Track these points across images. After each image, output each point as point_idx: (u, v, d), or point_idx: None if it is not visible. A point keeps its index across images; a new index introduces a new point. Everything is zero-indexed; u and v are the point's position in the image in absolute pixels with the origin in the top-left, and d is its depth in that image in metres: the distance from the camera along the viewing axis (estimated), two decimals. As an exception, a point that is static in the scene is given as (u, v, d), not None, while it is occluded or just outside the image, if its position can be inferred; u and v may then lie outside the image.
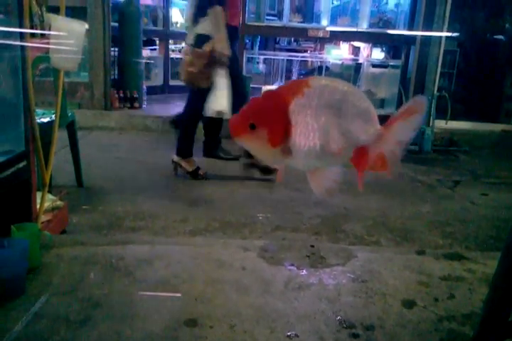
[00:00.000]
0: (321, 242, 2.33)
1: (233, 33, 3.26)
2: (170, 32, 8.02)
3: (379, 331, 1.33)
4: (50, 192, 2.14)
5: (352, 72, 6.93)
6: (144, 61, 6.29)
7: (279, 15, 7.09)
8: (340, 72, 7.14)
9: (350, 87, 1.02)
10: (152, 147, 4.55)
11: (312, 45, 8.14)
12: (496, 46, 6.18)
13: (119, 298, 1.43)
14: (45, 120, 2.47)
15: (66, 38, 1.94)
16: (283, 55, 7.86)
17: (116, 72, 5.96)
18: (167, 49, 8.00)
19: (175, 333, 1.27)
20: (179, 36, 8.77)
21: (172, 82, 8.24)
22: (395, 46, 6.98)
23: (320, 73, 7.39)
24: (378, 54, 7.38)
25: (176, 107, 6.47)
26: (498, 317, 1.13)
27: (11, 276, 1.39)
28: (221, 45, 3.02)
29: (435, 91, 5.38)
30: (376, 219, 2.74)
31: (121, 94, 5.77)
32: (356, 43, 7.42)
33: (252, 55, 8.04)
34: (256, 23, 5.96)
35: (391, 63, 6.67)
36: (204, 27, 3.05)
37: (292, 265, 1.72)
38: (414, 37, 5.79)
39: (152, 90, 7.02)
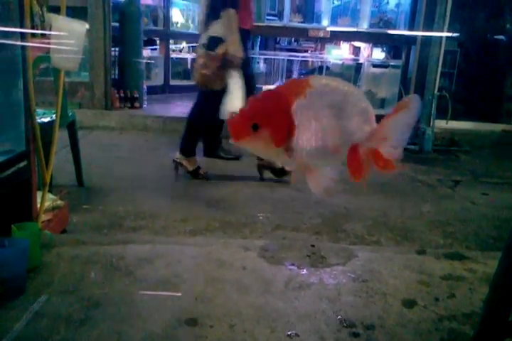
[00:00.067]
0: (321, 242, 2.32)
1: (246, 36, 3.25)
2: (170, 32, 8.01)
3: (379, 330, 1.33)
4: (50, 191, 2.14)
5: (352, 72, 6.93)
6: (144, 61, 6.29)
7: (280, 15, 7.09)
8: (340, 72, 7.14)
9: (349, 86, 1.03)
10: (153, 147, 4.55)
11: (312, 45, 8.14)
12: (496, 46, 6.18)
13: (120, 298, 1.43)
14: (46, 120, 2.47)
15: (67, 37, 1.94)
16: (283, 55, 7.86)
17: (116, 71, 5.96)
18: (167, 49, 8.00)
19: (175, 332, 1.27)
20: (180, 36, 8.78)
21: (172, 82, 8.24)
22: (395, 46, 6.99)
23: (320, 73, 7.39)
24: (379, 54, 7.38)
25: (177, 107, 6.48)
26: (498, 317, 1.13)
27: (12, 276, 1.39)
28: (234, 47, 3.02)
29: (436, 91, 5.38)
30: (377, 219, 2.74)
31: (122, 94, 5.77)
32: (357, 43, 7.42)
33: (252, 55, 8.03)
34: (256, 23, 5.96)
35: (391, 63, 6.68)
36: (217, 29, 3.05)
37: (293, 264, 1.72)
38: (414, 37, 5.79)
39: (153, 90, 7.02)
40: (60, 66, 2.05)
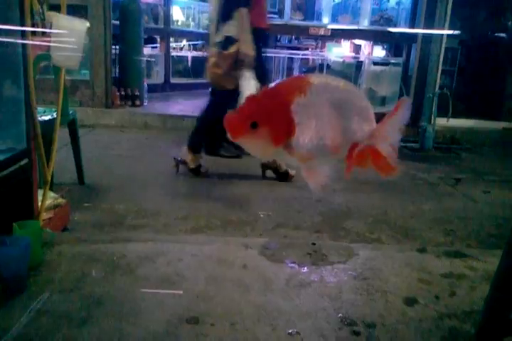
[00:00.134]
0: (322, 240, 2.32)
1: (260, 35, 3.22)
2: (171, 30, 8.01)
3: (380, 328, 1.33)
4: (51, 189, 2.14)
5: (353, 70, 6.92)
6: (145, 59, 6.29)
7: (280, 13, 7.08)
8: (341, 70, 7.14)
9: (348, 84, 1.03)
10: (153, 145, 4.56)
11: (313, 43, 8.13)
12: (497, 44, 6.17)
13: (121, 296, 1.43)
14: (47, 118, 2.47)
15: (67, 36, 1.94)
16: (284, 53, 7.85)
17: (117, 69, 5.96)
18: (168, 47, 8.00)
19: (176, 330, 1.27)
20: (180, 34, 8.77)
21: (173, 80, 8.24)
22: (396, 44, 6.98)
23: (321, 71, 7.39)
24: (379, 52, 7.37)
25: (177, 105, 6.48)
26: (499, 315, 1.13)
27: (13, 274, 1.39)
28: (245, 46, 3.01)
29: (436, 89, 5.38)
30: (377, 217, 2.74)
31: (123, 92, 5.77)
32: (357, 41, 7.40)
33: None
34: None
35: (392, 61, 6.67)
36: (230, 29, 3.04)
37: (293, 262, 1.72)
38: (415, 34, 5.78)
39: (153, 88, 7.02)
40: (60, 64, 2.05)
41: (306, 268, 1.69)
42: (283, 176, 3.36)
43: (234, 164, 3.78)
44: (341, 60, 7.41)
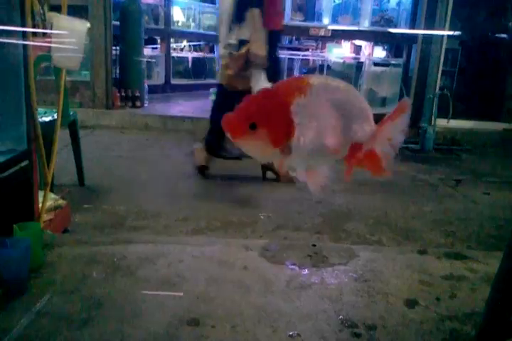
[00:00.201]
0: (322, 241, 2.32)
1: (274, 36, 3.21)
2: (171, 30, 8.01)
3: (381, 330, 1.33)
4: (52, 191, 2.14)
5: (353, 70, 6.92)
6: (145, 60, 6.29)
7: (281, 13, 7.06)
8: (341, 71, 7.14)
9: (346, 85, 1.03)
10: (154, 146, 4.56)
11: (313, 44, 8.13)
12: (497, 44, 6.17)
13: (122, 297, 1.43)
14: (47, 119, 2.47)
15: (68, 36, 1.94)
16: (284, 54, 7.85)
17: (117, 70, 5.96)
18: (168, 47, 8.00)
19: (177, 332, 1.27)
20: (180, 35, 8.78)
21: (173, 81, 8.24)
22: (396, 45, 6.98)
23: (322, 72, 7.39)
24: (380, 52, 7.37)
25: (178, 106, 6.48)
26: (500, 317, 1.13)
27: (14, 275, 1.39)
28: (256, 46, 3.01)
29: (437, 90, 5.38)
30: (378, 218, 2.74)
31: (123, 93, 5.77)
32: (358, 42, 7.41)
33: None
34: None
35: (393, 62, 6.68)
36: (244, 32, 3.03)
37: (294, 264, 1.72)
38: (415, 35, 5.79)
39: (154, 89, 7.02)
40: (61, 65, 2.05)
41: (306, 269, 1.69)
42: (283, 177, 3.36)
43: (234, 165, 3.78)
44: (342, 60, 7.41)
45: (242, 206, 2.85)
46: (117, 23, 5.79)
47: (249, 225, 2.52)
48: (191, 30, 8.74)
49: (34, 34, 2.19)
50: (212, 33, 9.16)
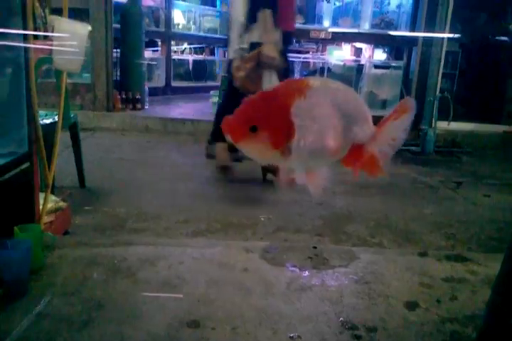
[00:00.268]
0: (323, 243, 2.32)
1: (287, 38, 3.20)
2: (172, 33, 8.03)
3: (381, 332, 1.33)
4: (52, 193, 2.15)
5: (354, 73, 6.93)
6: (146, 62, 6.30)
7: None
8: (342, 73, 7.15)
9: (345, 86, 1.03)
10: (154, 148, 4.56)
11: (314, 46, 8.15)
12: (498, 47, 6.18)
13: (122, 299, 1.43)
14: (48, 121, 2.48)
15: (69, 39, 1.94)
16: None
17: (118, 73, 5.98)
18: (169, 50, 8.02)
19: (177, 334, 1.27)
20: (181, 37, 8.80)
21: (174, 83, 8.25)
22: (397, 47, 6.99)
23: (322, 74, 7.40)
24: (380, 55, 7.38)
25: (178, 108, 6.49)
26: (500, 320, 1.13)
27: (14, 277, 1.39)
28: (267, 47, 3.00)
29: (437, 92, 5.38)
30: (378, 221, 2.74)
31: (124, 96, 5.78)
32: (358, 44, 7.42)
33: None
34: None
35: (393, 64, 6.69)
36: (256, 33, 3.03)
37: (294, 266, 1.72)
38: (416, 38, 5.80)
39: (154, 91, 7.04)
40: (62, 68, 2.06)
41: (307, 271, 1.69)
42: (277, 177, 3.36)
43: (234, 167, 3.78)
44: (342, 63, 7.42)
45: (242, 208, 2.85)
46: (118, 25, 5.80)
47: (250, 227, 2.52)
48: (192, 32, 8.76)
49: (35, 37, 2.20)
50: (213, 35, 9.19)
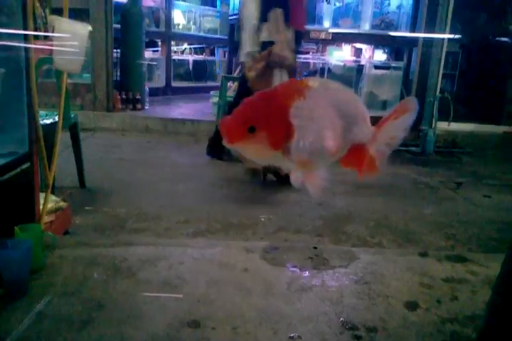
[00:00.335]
0: (323, 244, 2.32)
1: (298, 37, 3.21)
2: (172, 33, 8.03)
3: (382, 333, 1.33)
4: (53, 193, 2.15)
5: (354, 73, 6.93)
6: (146, 62, 6.30)
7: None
8: (342, 74, 7.15)
9: (343, 87, 1.03)
10: (154, 148, 4.56)
11: (314, 47, 8.15)
12: (498, 48, 6.18)
13: (122, 299, 1.43)
14: (48, 121, 2.48)
15: (69, 39, 1.94)
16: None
17: (118, 73, 5.98)
18: (169, 50, 8.02)
19: (177, 334, 1.27)
20: (181, 38, 8.80)
21: (174, 84, 8.25)
22: (397, 48, 6.99)
23: (322, 75, 7.40)
24: (380, 55, 7.38)
25: (178, 108, 6.49)
26: (501, 320, 1.13)
27: (15, 277, 1.39)
28: (278, 47, 3.00)
29: (437, 93, 5.38)
30: (378, 221, 2.74)
31: (124, 96, 5.78)
32: (358, 45, 7.42)
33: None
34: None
35: (393, 65, 6.69)
36: (267, 33, 3.02)
37: (295, 266, 1.72)
38: (416, 38, 5.80)
39: (154, 92, 7.04)
40: (62, 68, 2.06)
41: (307, 272, 1.69)
42: (283, 179, 3.36)
43: (234, 167, 3.78)
44: (342, 63, 7.42)
45: (242, 208, 2.85)
46: (118, 26, 5.81)
47: (250, 227, 2.52)
48: (192, 33, 8.77)
49: (36, 37, 2.20)
50: (213, 35, 9.19)
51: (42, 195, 1.88)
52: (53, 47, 1.95)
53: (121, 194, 2.99)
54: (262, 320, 1.36)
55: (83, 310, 1.35)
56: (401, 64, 6.56)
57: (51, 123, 2.46)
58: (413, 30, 6.04)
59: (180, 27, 8.57)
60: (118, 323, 1.30)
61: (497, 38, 6.21)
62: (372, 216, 2.82)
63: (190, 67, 9.21)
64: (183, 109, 6.45)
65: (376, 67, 6.70)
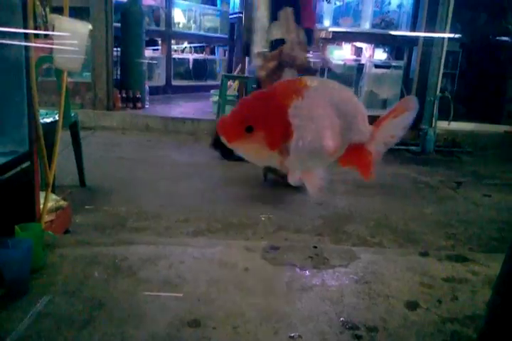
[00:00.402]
0: (323, 243, 2.33)
1: (309, 36, 3.19)
2: (172, 32, 8.03)
3: (382, 332, 1.33)
4: (53, 192, 2.15)
5: (354, 72, 6.92)
6: (146, 61, 6.30)
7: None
8: (342, 73, 7.14)
9: (341, 85, 1.03)
10: (154, 147, 4.56)
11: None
12: (498, 47, 6.17)
13: (123, 298, 1.43)
14: (48, 120, 2.48)
15: (69, 38, 1.94)
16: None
17: (118, 72, 5.97)
18: (169, 49, 8.01)
19: (178, 334, 1.27)
20: (181, 36, 8.79)
21: (174, 82, 8.25)
22: (397, 47, 6.99)
23: (322, 74, 7.39)
24: (381, 54, 7.37)
25: (179, 107, 6.49)
26: (501, 320, 1.13)
27: (15, 276, 1.39)
28: (288, 46, 2.99)
29: (437, 92, 5.38)
30: (379, 220, 2.74)
31: (124, 94, 5.78)
32: (359, 44, 7.41)
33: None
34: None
35: (393, 64, 6.68)
36: (277, 32, 3.02)
37: (295, 266, 1.72)
38: (416, 37, 5.79)
39: (155, 90, 7.03)
40: (62, 66, 2.05)
41: (307, 271, 1.69)
42: (284, 179, 3.36)
43: (235, 166, 3.78)
44: (342, 62, 7.41)
45: (242, 207, 2.85)
46: (118, 24, 5.80)
47: (250, 227, 2.52)
48: (192, 31, 8.76)
49: (36, 36, 2.20)
50: (213, 34, 9.19)
51: (42, 194, 1.88)
52: (53, 46, 1.94)
53: (122, 193, 2.99)
54: (262, 319, 1.36)
55: (84, 310, 1.35)
56: (401, 63, 6.56)
57: (51, 122, 2.45)
58: (413, 30, 6.03)
59: (181, 26, 8.56)
60: (119, 322, 1.30)
61: (497, 38, 6.20)
62: (372, 215, 2.82)
63: (191, 65, 9.21)
64: (183, 108, 6.45)
65: (376, 66, 6.69)
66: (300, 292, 1.53)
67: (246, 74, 5.33)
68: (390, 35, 6.34)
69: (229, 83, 5.74)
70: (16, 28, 1.65)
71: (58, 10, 2.05)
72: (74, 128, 2.97)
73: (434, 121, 5.19)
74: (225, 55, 9.97)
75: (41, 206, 1.84)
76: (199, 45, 9.63)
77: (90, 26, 2.07)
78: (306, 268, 1.71)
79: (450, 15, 5.41)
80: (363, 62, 7.09)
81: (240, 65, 6.43)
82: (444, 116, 5.18)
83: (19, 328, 1.25)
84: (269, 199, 3.06)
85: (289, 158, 0.96)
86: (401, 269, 1.75)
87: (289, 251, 1.86)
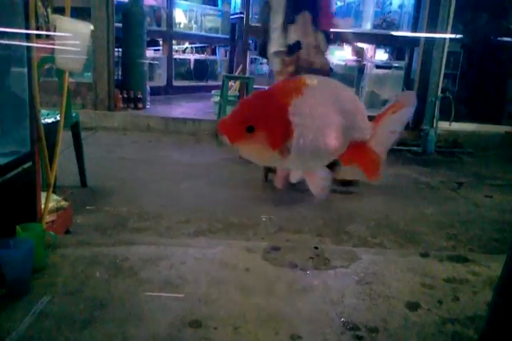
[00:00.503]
0: (324, 244, 2.33)
1: (327, 38, 3.18)
2: (173, 32, 8.03)
3: (383, 333, 1.33)
4: (54, 192, 2.15)
5: (355, 73, 6.92)
6: (147, 61, 6.30)
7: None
8: (343, 73, 7.13)
9: (340, 84, 1.03)
10: (156, 147, 4.56)
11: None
12: (499, 47, 6.17)
13: (124, 299, 1.43)
14: (50, 120, 2.48)
15: (71, 38, 1.94)
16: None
17: (119, 72, 5.98)
18: (170, 49, 8.01)
19: (179, 334, 1.27)
20: (183, 37, 8.79)
21: (176, 83, 8.25)
22: (398, 47, 6.98)
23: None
24: (382, 55, 7.37)
25: (180, 108, 6.49)
26: (502, 321, 1.13)
27: (17, 276, 1.39)
28: (305, 51, 2.99)
29: (439, 93, 5.38)
30: (379, 221, 2.74)
31: (125, 95, 5.78)
32: (360, 44, 7.40)
33: (255, 56, 8.04)
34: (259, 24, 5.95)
35: (395, 64, 6.68)
36: (293, 35, 3.01)
37: (296, 266, 1.72)
38: (417, 38, 5.79)
39: (156, 91, 7.03)
40: (64, 67, 2.05)
41: (308, 272, 1.69)
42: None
43: (235, 166, 3.78)
44: (344, 63, 7.40)
45: (243, 208, 2.85)
46: (120, 24, 5.80)
47: (251, 227, 2.52)
48: (193, 32, 8.76)
49: (38, 36, 2.20)
50: (215, 34, 9.19)
51: (43, 195, 1.88)
52: (55, 46, 1.95)
53: (123, 193, 2.99)
54: (263, 319, 1.36)
55: (85, 310, 1.36)
56: (402, 63, 6.55)
57: (53, 122, 2.45)
58: (415, 30, 6.03)
59: (182, 26, 8.56)
60: (120, 323, 1.30)
61: (498, 38, 6.20)
62: (373, 216, 2.82)
63: (192, 66, 9.21)
64: (184, 108, 6.45)
65: (378, 66, 6.69)
66: (301, 292, 1.54)
67: (247, 75, 5.33)
68: (391, 35, 6.33)
69: (230, 83, 5.74)
70: (18, 28, 1.65)
71: (60, 10, 2.05)
72: (75, 129, 2.97)
73: (435, 121, 5.19)
74: (226, 56, 9.97)
75: (42, 206, 1.85)
76: (200, 45, 9.63)
77: (92, 26, 2.07)
78: (307, 269, 1.71)
79: (451, 15, 5.40)
80: (364, 62, 7.08)
81: (241, 66, 6.43)
82: (445, 116, 5.17)
83: (20, 328, 1.25)
84: (270, 200, 3.06)
85: (290, 156, 0.96)
86: (402, 270, 1.75)
87: (290, 251, 1.86)
